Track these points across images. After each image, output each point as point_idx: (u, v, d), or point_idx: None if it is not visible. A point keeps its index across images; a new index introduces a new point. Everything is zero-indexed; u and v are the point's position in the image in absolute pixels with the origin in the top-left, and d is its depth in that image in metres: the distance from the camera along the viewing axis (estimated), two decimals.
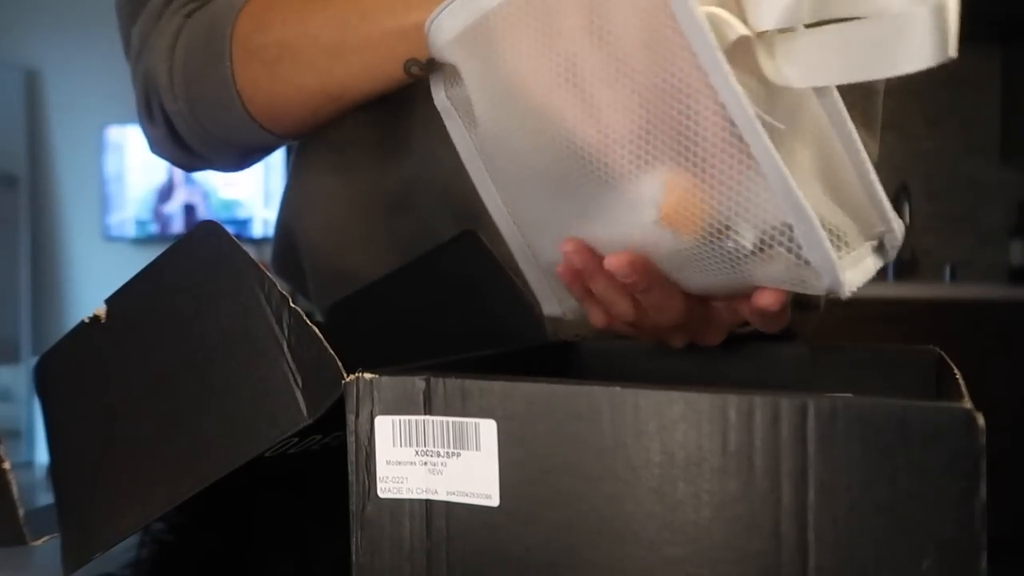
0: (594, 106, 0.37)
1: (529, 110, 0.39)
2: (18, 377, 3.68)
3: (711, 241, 0.37)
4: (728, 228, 0.36)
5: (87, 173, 3.77)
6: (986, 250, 3.19)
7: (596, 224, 0.41)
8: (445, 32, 0.42)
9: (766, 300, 0.39)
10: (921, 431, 0.27)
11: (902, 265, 3.14)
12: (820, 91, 0.37)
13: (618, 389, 0.31)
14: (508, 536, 0.32)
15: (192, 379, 0.40)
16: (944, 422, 0.27)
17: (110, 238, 3.75)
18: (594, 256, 0.42)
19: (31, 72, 3.81)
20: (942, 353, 0.45)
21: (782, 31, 0.35)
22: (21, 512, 0.44)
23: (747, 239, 0.36)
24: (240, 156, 0.65)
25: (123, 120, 3.64)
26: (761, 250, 0.36)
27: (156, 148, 0.65)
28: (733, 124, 0.34)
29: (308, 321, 0.37)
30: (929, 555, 0.27)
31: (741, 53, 0.35)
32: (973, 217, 3.20)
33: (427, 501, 0.34)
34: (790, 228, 0.35)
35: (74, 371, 0.45)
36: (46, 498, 0.46)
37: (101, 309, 0.43)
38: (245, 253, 0.39)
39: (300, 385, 0.37)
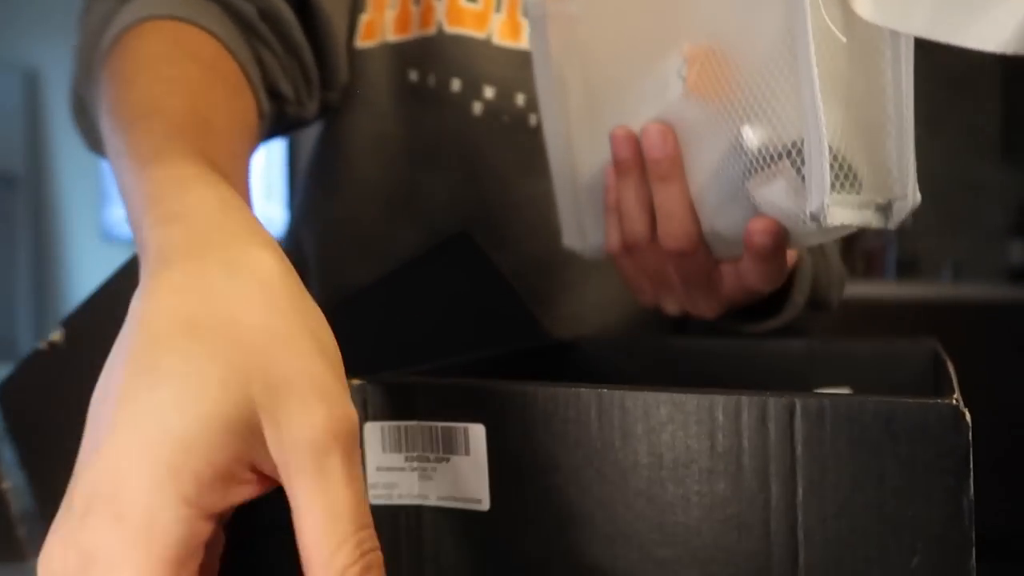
0: None
1: None
2: None
3: (728, 124, 0.38)
4: (746, 121, 0.37)
5: (87, 173, 3.77)
6: (986, 250, 3.18)
7: (640, 120, 0.42)
8: None
9: (759, 225, 0.39)
10: (908, 428, 0.27)
11: (902, 265, 3.14)
12: (894, 34, 0.36)
13: (605, 391, 0.31)
14: (499, 540, 0.32)
15: None
16: (931, 419, 0.27)
17: (109, 238, 3.74)
18: (638, 149, 0.43)
19: (31, 72, 3.80)
20: (938, 346, 0.44)
21: None
22: (21, 531, 0.43)
23: (755, 139, 0.37)
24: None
25: None
26: (769, 162, 0.36)
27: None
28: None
29: None
30: (918, 552, 0.27)
31: None
32: (973, 217, 3.19)
33: (418, 507, 0.34)
34: (801, 142, 0.35)
35: (36, 400, 0.44)
36: None
37: (57, 333, 0.42)
38: None
39: None
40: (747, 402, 0.29)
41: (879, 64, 0.36)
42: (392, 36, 0.64)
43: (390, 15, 0.64)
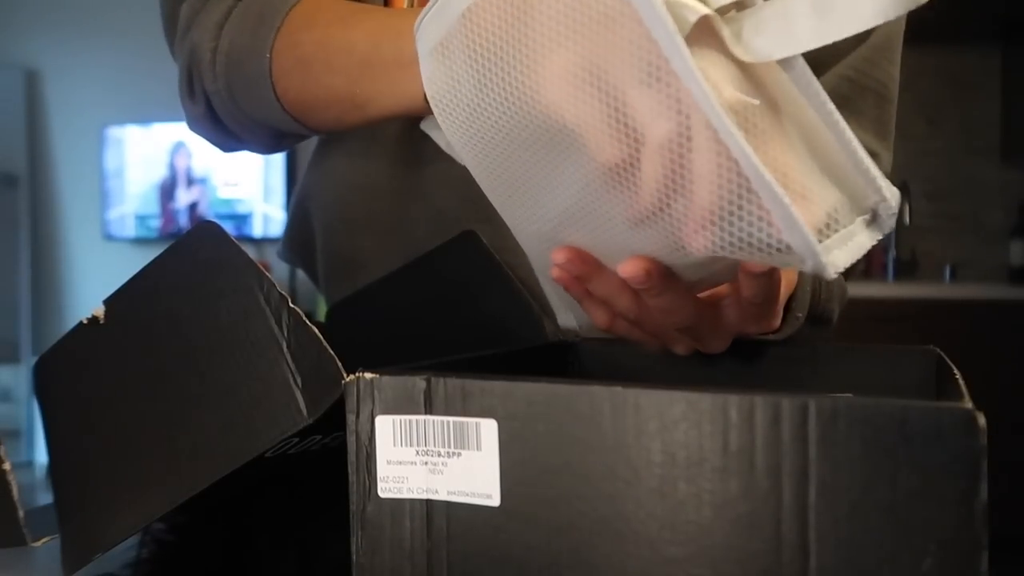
0: (563, 98, 0.35)
1: (501, 108, 0.38)
2: (18, 377, 3.68)
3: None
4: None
5: (87, 173, 3.77)
6: (986, 250, 3.19)
7: (584, 229, 0.40)
8: (428, 40, 0.40)
9: (755, 266, 0.37)
10: (922, 431, 0.27)
11: (902, 265, 3.14)
12: (787, 64, 0.35)
13: (619, 389, 0.31)
14: (509, 536, 0.32)
15: (191, 380, 0.39)
16: (945, 422, 0.27)
17: (110, 238, 3.74)
18: (589, 259, 0.41)
19: (31, 72, 3.80)
20: (942, 353, 0.44)
21: (743, 6, 0.34)
22: (21, 514, 0.44)
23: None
24: (274, 140, 0.67)
25: (122, 121, 3.64)
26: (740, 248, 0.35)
27: (194, 125, 0.67)
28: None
29: (307, 321, 0.37)
30: (930, 555, 0.27)
31: (707, 35, 0.33)
32: (973, 217, 3.19)
33: (428, 501, 0.34)
34: (768, 213, 0.33)
35: (73, 372, 0.45)
36: (46, 498, 0.46)
37: (99, 310, 0.43)
38: (244, 253, 0.39)
39: (300, 385, 0.36)
40: (761, 402, 0.29)
41: (789, 95, 0.35)
42: None
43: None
